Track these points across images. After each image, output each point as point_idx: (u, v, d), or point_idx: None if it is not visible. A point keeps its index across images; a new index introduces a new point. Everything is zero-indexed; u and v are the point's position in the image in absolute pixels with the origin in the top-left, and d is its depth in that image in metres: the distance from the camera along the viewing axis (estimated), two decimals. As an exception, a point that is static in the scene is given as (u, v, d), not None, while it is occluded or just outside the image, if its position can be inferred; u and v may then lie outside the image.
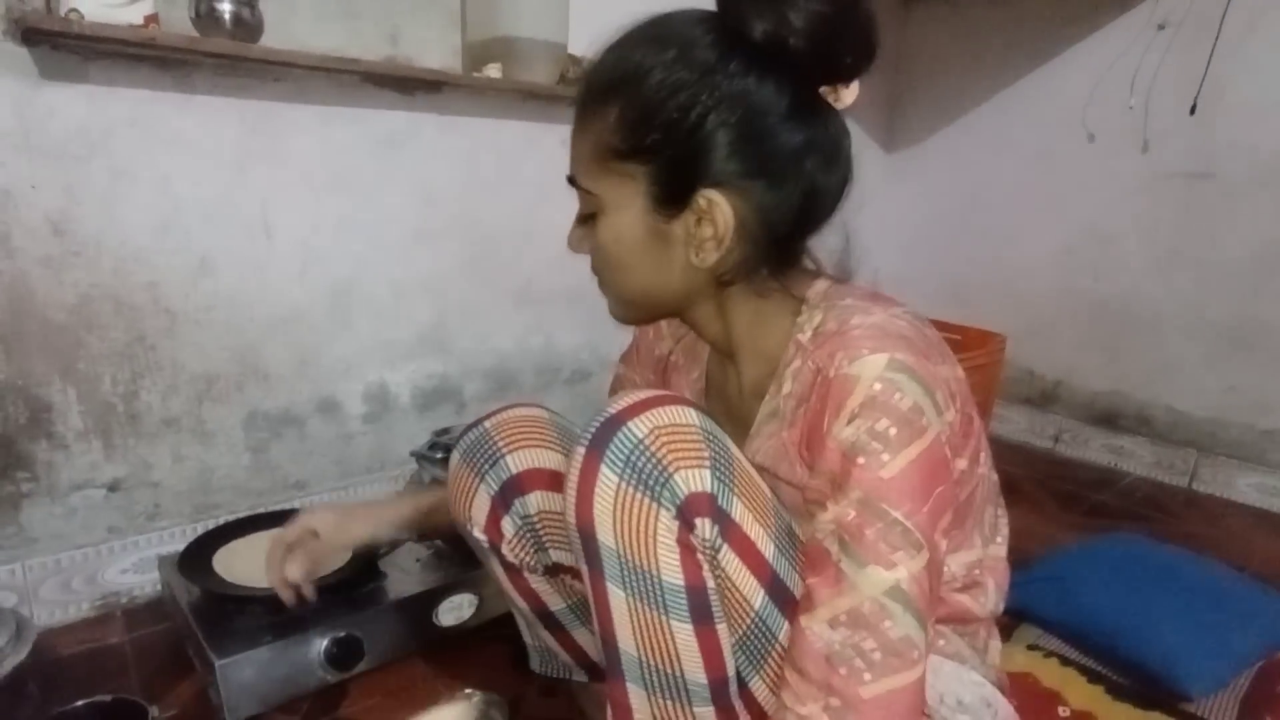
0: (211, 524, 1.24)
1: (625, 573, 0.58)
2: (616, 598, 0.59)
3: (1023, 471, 2.01)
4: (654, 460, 0.57)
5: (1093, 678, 1.14)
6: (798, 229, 0.65)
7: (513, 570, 0.83)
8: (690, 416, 0.60)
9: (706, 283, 0.66)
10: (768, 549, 0.61)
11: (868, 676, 0.55)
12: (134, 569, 1.27)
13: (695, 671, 0.60)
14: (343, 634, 1.03)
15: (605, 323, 0.94)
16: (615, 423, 0.58)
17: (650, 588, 0.58)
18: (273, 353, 1.35)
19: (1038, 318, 2.18)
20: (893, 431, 0.55)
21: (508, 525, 0.79)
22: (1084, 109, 2.01)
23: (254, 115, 1.25)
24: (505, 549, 0.80)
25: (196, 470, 1.31)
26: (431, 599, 1.13)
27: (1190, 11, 1.80)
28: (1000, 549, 0.72)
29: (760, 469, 0.67)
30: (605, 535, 0.58)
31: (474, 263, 1.58)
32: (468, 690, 0.94)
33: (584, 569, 0.61)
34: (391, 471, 1.54)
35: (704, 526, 0.58)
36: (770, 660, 0.63)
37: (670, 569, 0.58)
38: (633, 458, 0.57)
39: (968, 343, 2.13)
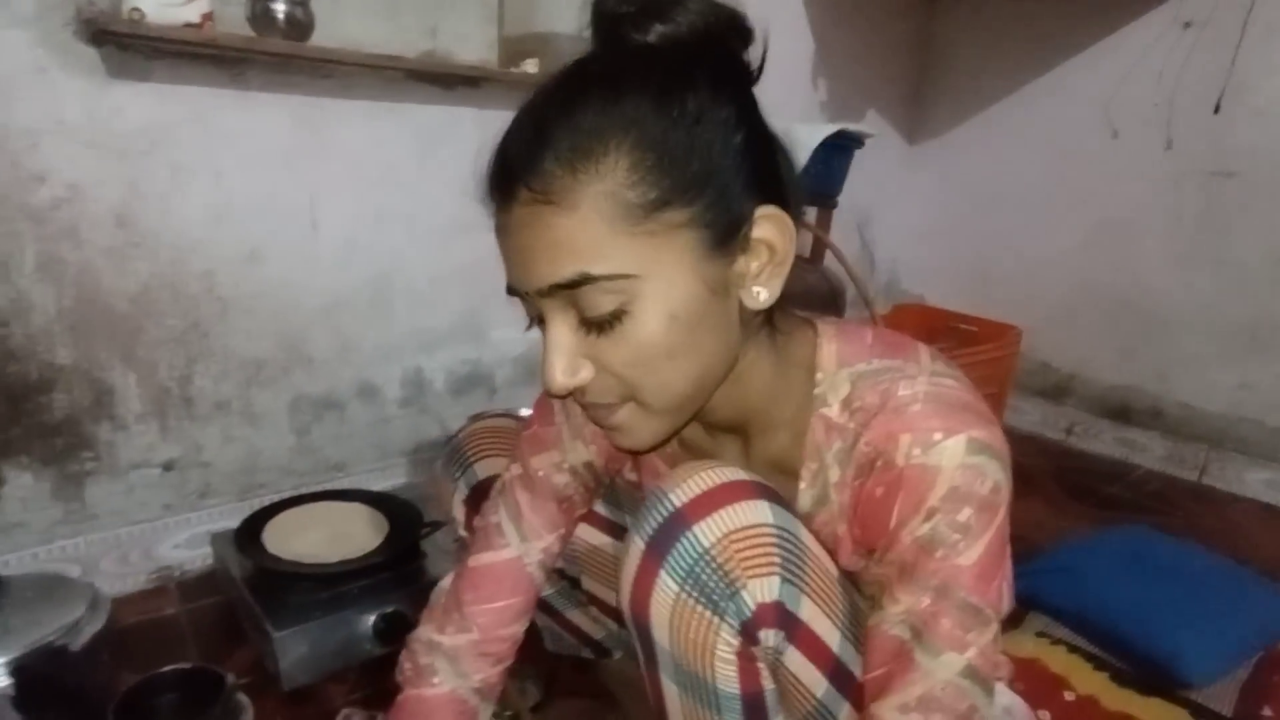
0: (257, 503, 1.30)
1: (680, 674, 0.56)
2: (670, 691, 0.58)
3: (1035, 463, 2.04)
4: (721, 573, 0.53)
5: (1098, 665, 1.19)
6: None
7: None
8: (764, 514, 0.54)
9: (743, 336, 0.57)
10: (833, 639, 0.58)
11: None
12: (186, 544, 1.33)
13: None
14: (390, 609, 1.10)
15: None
16: (679, 523, 0.54)
17: (705, 692, 0.56)
18: (317, 339, 1.40)
19: (1054, 311, 2.20)
20: (973, 520, 0.52)
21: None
22: (1108, 105, 2.02)
23: (303, 111, 1.29)
24: None
25: (245, 451, 1.37)
26: (471, 578, 1.19)
27: (1216, 10, 1.80)
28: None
29: None
30: (661, 636, 0.56)
31: (507, 253, 1.61)
32: None
33: (639, 651, 0.60)
34: (425, 454, 1.59)
35: (769, 637, 0.55)
36: None
37: (726, 680, 0.55)
38: (696, 569, 0.53)
39: (984, 334, 2.16)
